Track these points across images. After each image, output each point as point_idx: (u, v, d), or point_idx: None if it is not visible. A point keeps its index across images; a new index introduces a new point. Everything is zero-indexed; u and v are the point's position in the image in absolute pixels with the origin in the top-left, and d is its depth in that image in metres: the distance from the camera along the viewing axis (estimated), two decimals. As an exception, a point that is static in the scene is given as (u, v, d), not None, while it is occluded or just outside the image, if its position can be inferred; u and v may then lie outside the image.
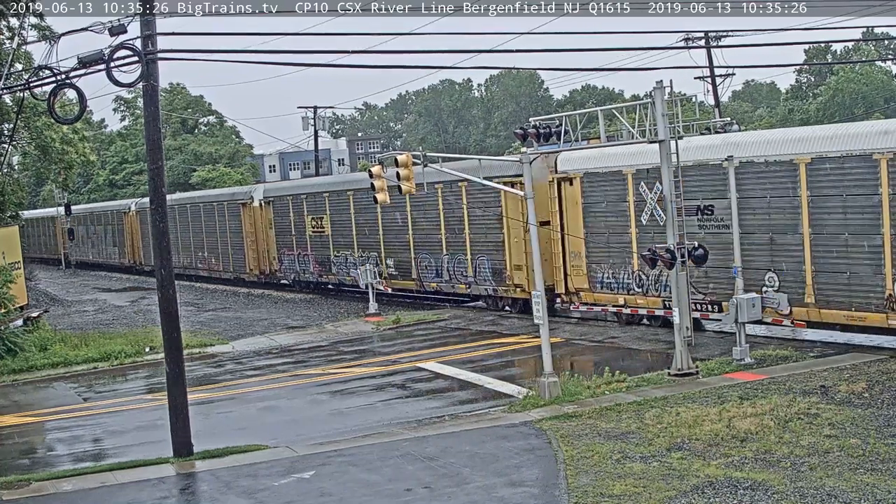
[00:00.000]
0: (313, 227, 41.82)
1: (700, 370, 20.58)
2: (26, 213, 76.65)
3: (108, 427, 21.25)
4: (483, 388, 21.78)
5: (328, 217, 40.60)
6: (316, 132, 63.26)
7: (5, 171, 37.74)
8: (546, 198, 28.63)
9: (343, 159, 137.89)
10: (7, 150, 35.66)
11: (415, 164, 21.15)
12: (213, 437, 18.51)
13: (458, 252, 33.36)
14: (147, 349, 29.45)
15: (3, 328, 29.91)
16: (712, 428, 16.04)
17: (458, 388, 22.11)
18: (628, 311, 27.45)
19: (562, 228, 28.86)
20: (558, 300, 29.47)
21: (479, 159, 26.41)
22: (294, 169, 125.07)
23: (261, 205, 46.20)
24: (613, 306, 27.95)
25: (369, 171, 22.55)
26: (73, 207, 67.93)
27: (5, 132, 34.65)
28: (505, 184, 25.48)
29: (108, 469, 17.20)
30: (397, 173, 21.02)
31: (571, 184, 28.58)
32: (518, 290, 31.05)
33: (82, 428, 21.38)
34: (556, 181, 28.87)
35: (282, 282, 46.13)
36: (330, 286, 42.38)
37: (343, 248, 39.80)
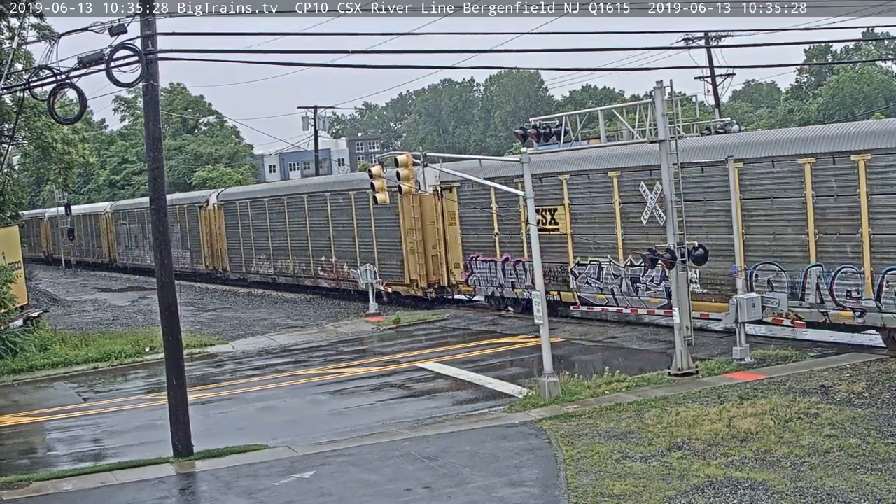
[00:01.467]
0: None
1: (700, 370, 20.58)
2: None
3: (108, 427, 21.25)
4: (483, 388, 21.77)
5: (567, 208, 29.12)
6: (316, 132, 63.23)
7: (5, 171, 37.75)
8: None
9: (343, 159, 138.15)
10: (7, 150, 35.70)
11: (414, 162, 21.09)
12: (212, 437, 18.51)
13: (840, 261, 22.00)
14: (147, 349, 29.45)
15: (3, 328, 29.91)
16: (712, 428, 16.04)
17: (458, 388, 22.10)
18: None
19: None
20: None
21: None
22: (294, 169, 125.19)
23: (438, 192, 34.36)
24: None
25: (369, 170, 22.48)
26: (120, 203, 67.74)
27: (5, 132, 34.70)
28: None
29: (108, 469, 17.21)
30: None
31: None
32: None
33: (82, 428, 21.38)
34: None
35: (472, 298, 34.75)
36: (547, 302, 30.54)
37: (594, 252, 28.45)
